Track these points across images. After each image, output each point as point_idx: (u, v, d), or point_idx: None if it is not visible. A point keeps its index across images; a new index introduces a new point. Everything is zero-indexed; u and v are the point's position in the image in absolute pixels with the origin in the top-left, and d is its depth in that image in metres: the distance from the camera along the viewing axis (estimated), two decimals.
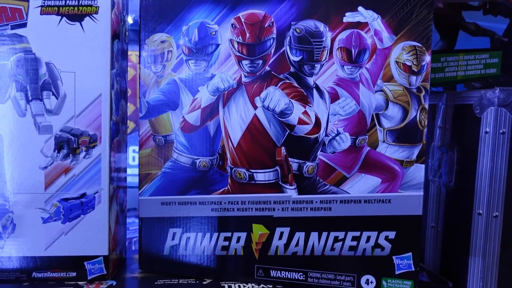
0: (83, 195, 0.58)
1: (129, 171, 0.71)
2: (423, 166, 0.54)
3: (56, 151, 0.57)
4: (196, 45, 0.58)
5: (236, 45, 0.57)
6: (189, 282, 0.60)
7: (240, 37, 0.57)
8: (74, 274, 0.59)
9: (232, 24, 0.57)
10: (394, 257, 0.56)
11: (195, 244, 0.61)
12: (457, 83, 0.64)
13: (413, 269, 0.55)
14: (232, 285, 0.59)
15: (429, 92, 0.54)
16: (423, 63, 0.54)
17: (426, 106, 0.54)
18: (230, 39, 0.58)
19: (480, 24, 0.63)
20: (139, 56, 0.61)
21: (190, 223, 0.61)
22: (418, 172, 0.55)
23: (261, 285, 0.59)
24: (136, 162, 1.12)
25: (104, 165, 0.59)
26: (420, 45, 0.53)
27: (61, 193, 0.58)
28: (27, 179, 0.57)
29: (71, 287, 0.58)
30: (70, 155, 0.58)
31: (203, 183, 0.60)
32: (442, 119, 0.58)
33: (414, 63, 0.54)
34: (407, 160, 0.55)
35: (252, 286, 0.59)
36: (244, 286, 0.59)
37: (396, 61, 0.54)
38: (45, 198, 0.58)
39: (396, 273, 0.56)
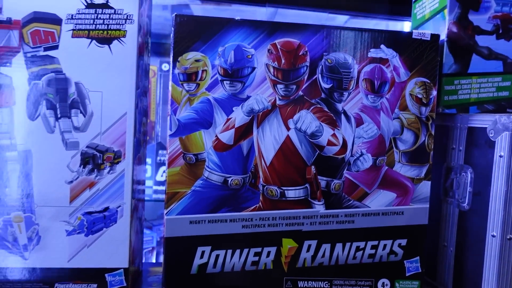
0: (106, 208, 0.60)
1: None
2: (429, 182, 0.65)
3: (82, 166, 0.60)
4: (232, 67, 0.60)
5: (271, 70, 0.61)
6: None
7: (276, 62, 0.61)
8: (95, 286, 0.61)
9: (268, 50, 0.61)
10: (405, 261, 0.65)
11: (225, 261, 0.62)
12: (470, 105, 0.69)
13: (420, 270, 0.65)
14: None
15: (443, 114, 0.62)
16: (431, 97, 0.64)
17: (433, 132, 0.65)
18: (266, 64, 0.61)
19: (493, 48, 0.69)
20: (171, 73, 0.60)
21: (220, 240, 0.62)
22: (425, 187, 0.65)
23: None
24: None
25: (127, 180, 0.61)
26: (429, 82, 0.64)
27: (85, 206, 0.60)
28: (53, 193, 0.59)
29: None
30: (95, 170, 0.60)
31: (234, 201, 0.62)
32: (455, 141, 0.66)
33: (424, 96, 0.64)
34: (417, 177, 0.65)
35: None
36: None
37: (410, 94, 0.64)
38: (69, 211, 0.60)
39: (407, 275, 0.65)
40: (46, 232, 0.59)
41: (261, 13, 1.07)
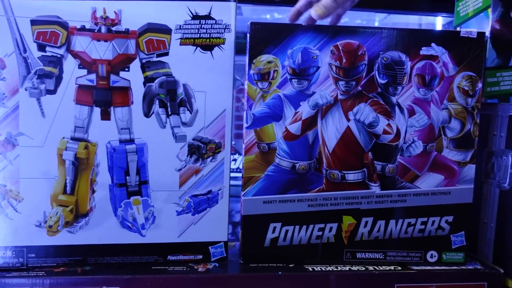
0: (209, 191, 0.69)
1: None
2: (474, 166, 0.72)
3: (189, 156, 0.68)
4: (300, 67, 0.69)
5: (334, 68, 0.69)
6: (278, 265, 0.70)
7: (338, 61, 0.69)
8: (200, 256, 0.70)
9: (331, 51, 0.69)
10: (451, 236, 0.73)
11: (293, 235, 0.71)
12: (511, 95, 0.75)
13: (464, 243, 0.73)
14: (321, 268, 0.71)
15: (486, 104, 0.69)
16: (476, 89, 0.71)
17: (478, 121, 0.72)
18: (329, 63, 0.69)
19: None
20: (247, 74, 0.69)
21: (289, 218, 0.71)
22: (470, 170, 0.72)
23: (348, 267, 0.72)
24: None
25: (226, 167, 0.70)
26: (475, 75, 0.71)
27: (192, 190, 0.69)
28: (165, 179, 0.68)
29: (185, 267, 0.69)
30: (200, 159, 0.68)
31: (301, 184, 0.71)
32: (497, 128, 0.73)
33: (470, 88, 0.71)
34: (463, 161, 0.72)
35: (336, 268, 0.72)
36: (330, 267, 0.71)
37: (457, 86, 0.71)
38: (179, 195, 0.68)
39: (453, 247, 0.73)
40: (159, 212, 0.68)
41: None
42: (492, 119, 0.75)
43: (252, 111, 0.69)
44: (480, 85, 0.71)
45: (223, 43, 0.67)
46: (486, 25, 0.76)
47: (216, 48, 0.67)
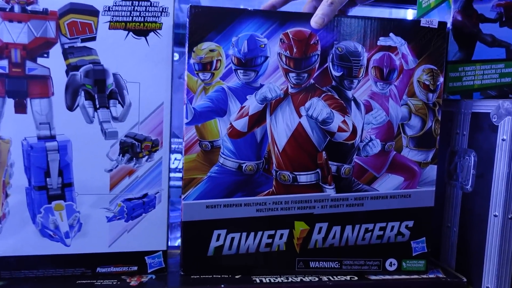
0: (145, 195, 0.63)
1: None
2: (435, 166, 0.67)
3: (121, 155, 0.61)
4: (246, 56, 0.62)
5: (284, 59, 0.63)
6: (223, 276, 0.64)
7: (288, 51, 0.62)
8: (135, 268, 0.63)
9: (280, 39, 0.62)
10: (411, 242, 0.68)
11: (240, 243, 0.65)
12: (474, 91, 0.71)
13: (426, 250, 0.68)
14: (270, 279, 0.65)
15: (448, 100, 0.65)
16: (438, 83, 0.66)
17: (439, 118, 0.67)
18: (279, 53, 0.62)
19: (496, 36, 0.70)
20: (186, 63, 0.62)
21: (235, 224, 0.64)
22: (432, 171, 0.67)
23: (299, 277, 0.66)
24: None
25: (164, 167, 0.63)
26: (436, 68, 0.66)
27: (125, 193, 0.62)
28: (94, 181, 0.61)
29: (116, 280, 0.62)
30: (134, 158, 0.62)
31: (248, 186, 0.64)
32: (459, 126, 0.68)
33: (431, 83, 0.66)
34: (424, 162, 0.67)
35: (287, 279, 0.65)
36: (281, 278, 0.65)
37: (418, 80, 0.66)
38: (110, 199, 0.62)
39: (413, 254, 0.68)
40: (87, 219, 0.61)
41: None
42: (455, 117, 0.70)
43: (192, 105, 0.62)
44: (441, 79, 0.66)
45: (160, 28, 0.61)
46: (448, 16, 0.71)
47: (151, 34, 0.61)
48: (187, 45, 0.61)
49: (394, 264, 0.68)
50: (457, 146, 0.69)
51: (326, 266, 0.67)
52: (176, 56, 1.10)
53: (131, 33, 0.60)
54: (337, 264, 0.67)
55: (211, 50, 0.62)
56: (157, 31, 0.61)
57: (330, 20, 0.62)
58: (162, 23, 0.61)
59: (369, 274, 0.67)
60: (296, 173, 0.64)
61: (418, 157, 0.67)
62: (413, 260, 0.68)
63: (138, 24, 0.60)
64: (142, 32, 0.60)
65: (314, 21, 0.62)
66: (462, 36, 0.70)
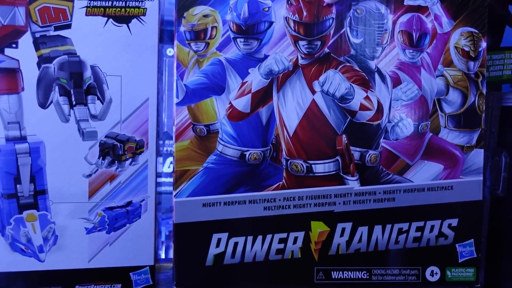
0: (129, 203, 0.56)
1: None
2: (482, 150, 0.56)
3: (101, 158, 0.55)
4: (246, 22, 0.52)
5: (292, 24, 0.53)
6: None
7: (296, 15, 0.53)
8: (119, 286, 0.56)
9: (287, 1, 0.53)
10: (457, 245, 0.55)
11: (245, 250, 0.53)
12: (503, 83, 0.65)
13: (475, 255, 0.55)
14: None
15: None
16: (480, 49, 0.55)
17: (484, 92, 0.55)
18: (286, 17, 0.53)
19: None
20: (176, 31, 0.52)
21: (239, 226, 0.53)
22: (477, 157, 0.56)
23: None
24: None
25: (151, 171, 0.57)
26: (477, 31, 0.55)
27: (106, 201, 0.56)
28: (70, 188, 0.55)
29: None
30: (116, 162, 0.55)
31: (253, 179, 0.54)
32: (487, 122, 0.59)
33: (472, 48, 0.55)
34: (468, 145, 0.56)
35: None
36: None
37: (455, 46, 0.55)
38: (89, 208, 0.56)
39: (460, 261, 0.55)
40: (63, 231, 0.56)
41: None
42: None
43: (184, 82, 0.53)
44: (484, 44, 0.55)
45: (144, 14, 0.54)
46: None
47: (134, 21, 0.54)
48: (175, 9, 0.52)
49: (436, 274, 0.55)
50: (484, 145, 0.58)
51: (352, 277, 0.54)
52: (171, 52, 1.03)
53: (111, 19, 0.54)
54: (365, 274, 0.55)
55: (205, 16, 0.53)
56: (141, 17, 0.54)
57: None
58: (146, 8, 0.54)
59: (406, 286, 0.55)
60: (310, 161, 0.53)
61: (459, 140, 0.56)
62: (460, 267, 0.55)
63: (119, 9, 0.54)
64: (123, 18, 0.54)
65: None
66: (489, 20, 0.61)
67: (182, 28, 0.52)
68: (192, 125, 0.53)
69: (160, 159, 0.86)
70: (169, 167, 1.04)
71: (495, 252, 0.59)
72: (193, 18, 0.52)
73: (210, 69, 0.53)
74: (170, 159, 1.07)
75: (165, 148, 1.05)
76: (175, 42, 0.53)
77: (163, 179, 1.04)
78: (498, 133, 0.59)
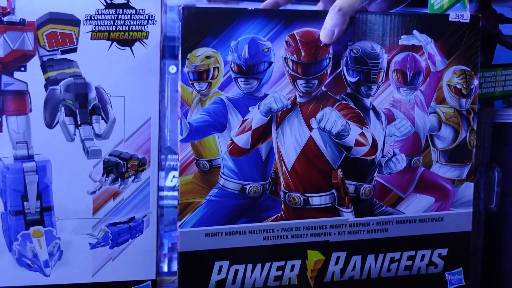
0: (132, 219, 0.58)
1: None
2: (472, 184, 0.58)
3: (105, 175, 0.57)
4: (247, 62, 0.54)
5: (290, 64, 0.55)
6: None
7: (295, 55, 0.55)
8: None
9: (286, 42, 0.55)
10: (446, 273, 0.58)
11: (245, 277, 0.56)
12: (495, 99, 0.66)
13: (464, 283, 0.58)
14: None
15: None
16: (471, 87, 0.57)
17: (475, 127, 0.57)
18: (284, 57, 0.55)
19: None
20: (180, 72, 0.55)
21: (239, 254, 0.56)
22: (467, 190, 0.58)
23: None
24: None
25: (153, 188, 0.58)
26: (469, 70, 0.57)
27: (109, 217, 0.58)
28: (75, 205, 0.57)
29: None
30: (119, 179, 0.57)
31: (253, 211, 0.56)
32: (480, 138, 0.60)
33: (464, 86, 0.57)
34: (458, 179, 0.58)
35: None
36: None
37: (448, 84, 0.57)
38: (93, 224, 0.58)
39: None
40: (68, 246, 0.57)
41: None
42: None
43: (187, 120, 0.55)
44: (476, 82, 0.57)
45: (146, 38, 0.56)
46: None
47: (137, 44, 0.56)
48: (180, 51, 0.54)
49: None
50: (477, 161, 0.60)
51: None
52: (173, 69, 1.04)
53: (115, 43, 0.56)
54: None
55: (207, 57, 0.54)
56: (143, 40, 0.56)
57: (342, 30, 0.53)
58: (148, 31, 0.56)
59: None
60: (307, 194, 0.56)
61: (450, 174, 0.58)
62: None
63: (123, 33, 0.56)
64: (127, 42, 0.56)
65: (324, 36, 0.53)
66: (481, 38, 0.62)
67: (186, 69, 0.54)
68: (195, 161, 0.55)
69: (163, 173, 0.90)
70: (171, 181, 1.08)
71: (489, 266, 0.61)
72: (196, 59, 0.54)
73: (213, 108, 0.55)
74: (173, 173, 1.10)
75: (167, 163, 1.08)
76: (179, 82, 0.55)
77: (165, 193, 1.07)
78: (491, 149, 0.61)
